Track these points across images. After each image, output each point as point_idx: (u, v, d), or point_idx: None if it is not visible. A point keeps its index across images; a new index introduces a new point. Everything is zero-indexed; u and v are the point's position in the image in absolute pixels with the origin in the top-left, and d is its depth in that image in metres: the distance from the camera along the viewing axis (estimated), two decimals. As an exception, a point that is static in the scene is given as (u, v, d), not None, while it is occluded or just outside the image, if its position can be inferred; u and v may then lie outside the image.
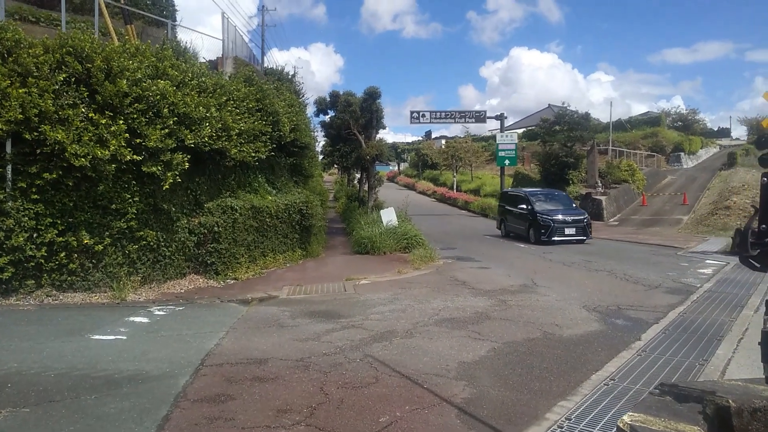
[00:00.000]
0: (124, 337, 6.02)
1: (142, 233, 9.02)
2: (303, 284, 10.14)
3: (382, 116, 21.35)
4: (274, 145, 12.74)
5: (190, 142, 9.32)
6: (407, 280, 10.33)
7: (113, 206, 8.55)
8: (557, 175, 30.01)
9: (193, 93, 9.84)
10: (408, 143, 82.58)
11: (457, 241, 18.38)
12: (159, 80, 8.96)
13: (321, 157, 31.15)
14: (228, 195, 11.10)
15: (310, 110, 23.27)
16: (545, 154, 31.54)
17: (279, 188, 13.84)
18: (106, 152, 7.92)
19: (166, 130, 8.90)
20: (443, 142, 68.96)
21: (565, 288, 9.34)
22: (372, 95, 20.14)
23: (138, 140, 8.55)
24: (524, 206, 18.21)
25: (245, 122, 11.22)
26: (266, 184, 12.85)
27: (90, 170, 7.98)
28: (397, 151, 73.22)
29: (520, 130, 54.09)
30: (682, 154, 49.62)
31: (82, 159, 7.66)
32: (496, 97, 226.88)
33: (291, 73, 22.68)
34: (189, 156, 9.50)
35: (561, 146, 30.97)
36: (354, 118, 20.43)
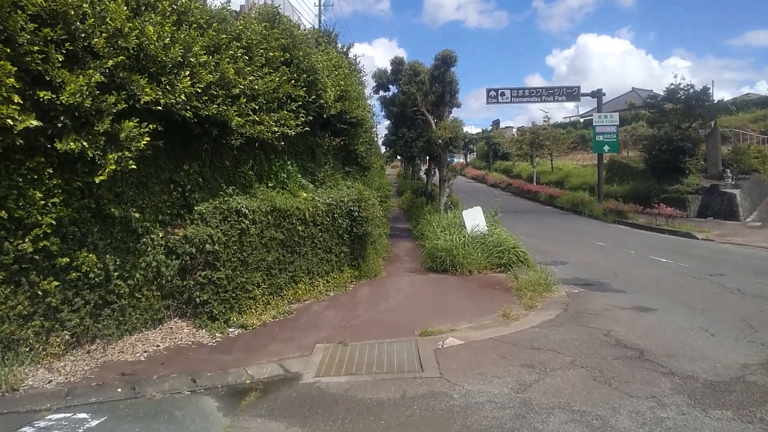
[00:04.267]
0: None
1: (69, 259, 5.17)
2: (348, 339, 5.99)
3: (457, 90, 16.86)
4: (311, 118, 8.67)
5: (147, 98, 5.35)
6: (528, 339, 5.90)
7: (4, 214, 4.72)
8: (670, 163, 24.17)
9: (165, 22, 5.87)
10: (473, 134, 76.92)
11: (561, 248, 13.65)
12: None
13: (383, 149, 27.08)
14: (233, 191, 7.10)
15: (369, 92, 19.04)
16: (653, 139, 25.75)
17: (321, 181, 9.79)
18: (-43, 111, 4.05)
19: (100, 77, 4.97)
20: (515, 130, 63.03)
21: None
22: (445, 61, 15.68)
23: (44, 93, 4.66)
24: None
25: (261, 79, 7.19)
26: (299, 175, 8.78)
27: (-63, 147, 4.17)
28: (464, 142, 68.07)
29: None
30: (806, 139, 41.57)
31: None
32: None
33: (345, 45, 18.60)
34: (157, 126, 5.60)
35: (674, 128, 25.11)
36: (422, 91, 16.07)
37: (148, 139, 5.39)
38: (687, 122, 25.13)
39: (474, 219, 11.16)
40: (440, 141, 15.59)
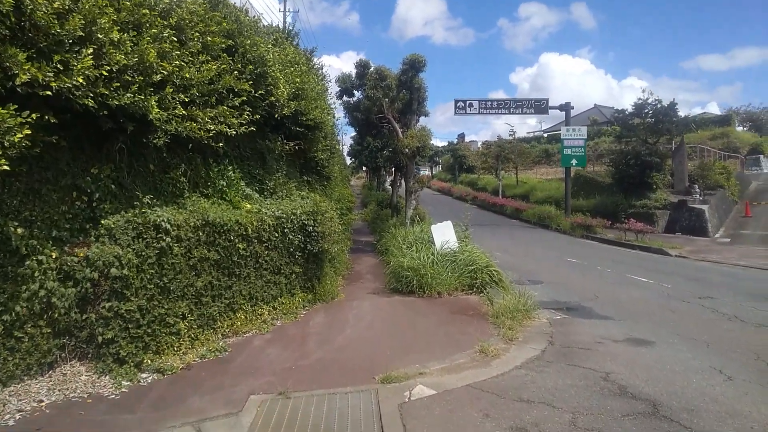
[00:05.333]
0: None
1: None
2: (292, 388, 4.78)
3: (426, 96, 15.95)
4: (259, 117, 7.47)
5: (25, 78, 4.07)
6: (514, 387, 4.84)
7: None
8: (637, 177, 23.92)
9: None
10: (439, 147, 76.68)
11: (533, 265, 12.80)
12: None
13: (349, 160, 25.94)
14: (152, 201, 5.81)
15: (333, 98, 17.84)
16: (620, 153, 25.52)
17: (272, 190, 8.58)
18: None
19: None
20: (479, 144, 63.00)
21: None
22: (413, 65, 14.76)
23: None
24: None
25: (194, 66, 5.97)
26: (242, 183, 7.54)
27: None
28: (431, 153, 67.57)
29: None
30: (762, 157, 42.76)
31: None
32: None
33: (307, 48, 17.43)
34: (49, 118, 4.33)
35: (641, 143, 24.94)
36: (389, 97, 15.09)
37: (29, 131, 4.10)
38: (654, 137, 25.01)
39: (444, 234, 10.13)
40: (407, 150, 14.61)
